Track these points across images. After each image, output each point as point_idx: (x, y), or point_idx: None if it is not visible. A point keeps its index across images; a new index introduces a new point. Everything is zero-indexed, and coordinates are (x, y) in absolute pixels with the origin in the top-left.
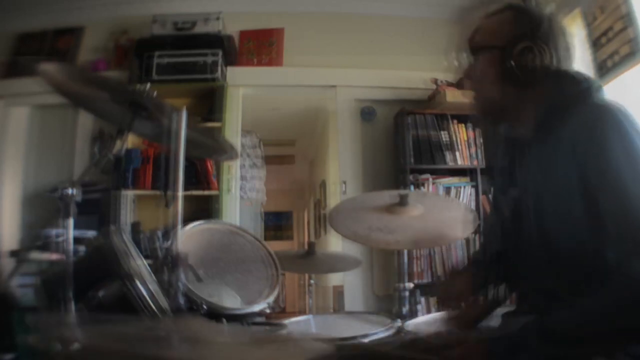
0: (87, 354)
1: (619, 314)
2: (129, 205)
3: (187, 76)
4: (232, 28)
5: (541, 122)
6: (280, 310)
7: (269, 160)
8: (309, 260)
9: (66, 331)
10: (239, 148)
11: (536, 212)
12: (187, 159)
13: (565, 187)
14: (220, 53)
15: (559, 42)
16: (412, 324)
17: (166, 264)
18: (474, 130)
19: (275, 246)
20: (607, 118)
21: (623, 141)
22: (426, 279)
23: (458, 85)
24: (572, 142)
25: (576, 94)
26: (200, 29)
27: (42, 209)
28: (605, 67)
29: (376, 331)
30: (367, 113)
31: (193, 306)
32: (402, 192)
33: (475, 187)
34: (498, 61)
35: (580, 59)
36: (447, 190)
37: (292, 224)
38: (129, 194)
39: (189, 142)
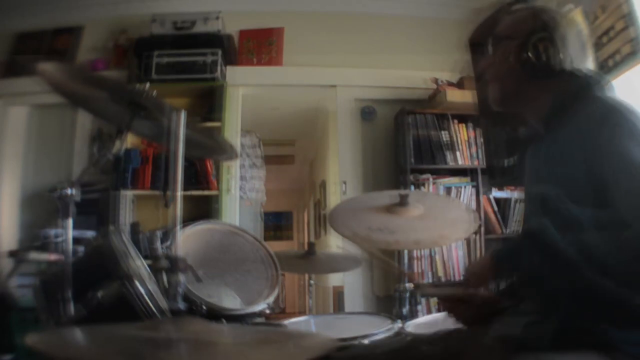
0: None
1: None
2: (128, 205)
3: (187, 76)
4: (231, 27)
5: (552, 114)
6: (280, 311)
7: (268, 160)
8: (309, 260)
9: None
10: (238, 148)
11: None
12: (187, 159)
13: (573, 178)
14: (220, 52)
15: (575, 39)
16: (412, 324)
17: (165, 264)
18: (474, 129)
19: (275, 246)
20: (616, 112)
21: (631, 131)
22: (427, 280)
23: (459, 84)
24: (580, 137)
25: (586, 89)
26: (199, 28)
27: (41, 209)
28: (607, 67)
29: (376, 332)
30: (367, 113)
31: (192, 307)
32: (403, 192)
33: (476, 187)
34: (517, 51)
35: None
36: (448, 190)
37: (292, 224)
38: (128, 194)
39: (188, 142)
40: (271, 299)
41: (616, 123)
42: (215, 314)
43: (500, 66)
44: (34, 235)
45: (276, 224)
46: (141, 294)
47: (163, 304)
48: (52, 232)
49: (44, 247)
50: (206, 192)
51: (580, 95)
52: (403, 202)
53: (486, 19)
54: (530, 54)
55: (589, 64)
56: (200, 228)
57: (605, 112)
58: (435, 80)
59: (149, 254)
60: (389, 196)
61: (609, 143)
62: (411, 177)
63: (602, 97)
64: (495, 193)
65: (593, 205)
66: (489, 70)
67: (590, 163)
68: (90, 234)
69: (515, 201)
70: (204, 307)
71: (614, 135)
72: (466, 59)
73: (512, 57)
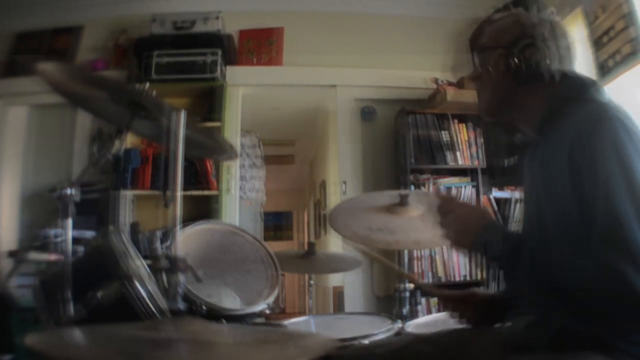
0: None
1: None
2: (128, 205)
3: (187, 76)
4: (231, 27)
5: (545, 118)
6: (280, 311)
7: (268, 160)
8: (309, 260)
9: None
10: (238, 148)
11: (538, 211)
12: (187, 158)
13: (560, 187)
14: (220, 52)
15: (560, 42)
16: (412, 324)
17: (165, 264)
18: (474, 129)
19: (275, 246)
20: (604, 120)
21: (616, 144)
22: (427, 280)
23: (459, 84)
24: (569, 142)
25: (576, 94)
26: (199, 28)
27: (41, 209)
28: (607, 67)
29: (376, 332)
30: (367, 113)
31: (192, 307)
32: (403, 192)
33: (476, 187)
34: (502, 60)
35: (581, 59)
36: (448, 190)
37: (292, 224)
38: (128, 194)
39: (188, 142)
40: (271, 299)
41: (603, 130)
42: (215, 314)
43: (489, 77)
44: (34, 235)
45: (276, 224)
46: (141, 294)
47: (163, 304)
48: (52, 232)
49: (43, 247)
50: (206, 192)
51: (573, 98)
52: (403, 202)
53: (474, 30)
54: (516, 62)
55: (578, 66)
56: (200, 228)
57: (594, 118)
58: (435, 80)
59: (149, 254)
60: (389, 196)
61: (592, 150)
62: (411, 177)
63: (595, 100)
64: (495, 193)
65: (578, 211)
66: (477, 81)
67: (575, 168)
68: (90, 234)
69: (516, 201)
70: (204, 307)
71: (599, 142)
72: (465, 60)
73: (499, 66)
